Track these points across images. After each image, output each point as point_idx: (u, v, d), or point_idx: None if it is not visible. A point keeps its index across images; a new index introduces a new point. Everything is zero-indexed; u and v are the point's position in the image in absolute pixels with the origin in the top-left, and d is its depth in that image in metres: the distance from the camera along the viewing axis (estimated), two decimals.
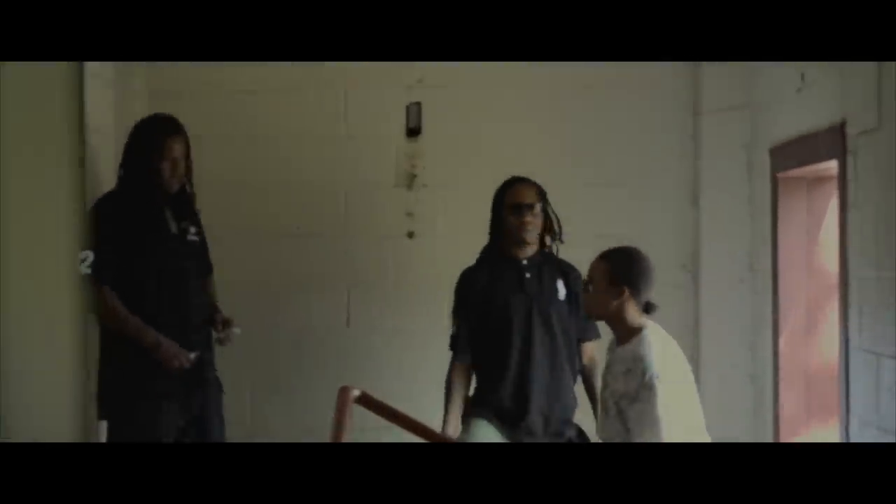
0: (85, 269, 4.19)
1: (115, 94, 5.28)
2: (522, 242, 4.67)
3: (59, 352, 1.15)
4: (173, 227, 4.55)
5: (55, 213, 1.12)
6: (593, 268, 4.02)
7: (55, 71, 1.07)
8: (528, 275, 4.67)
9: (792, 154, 4.65)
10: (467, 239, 5.54)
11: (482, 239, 5.57)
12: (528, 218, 4.66)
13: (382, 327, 5.46)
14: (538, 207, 4.69)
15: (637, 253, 4.07)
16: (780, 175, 4.83)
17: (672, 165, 5.53)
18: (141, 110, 5.42)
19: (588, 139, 5.54)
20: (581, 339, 4.72)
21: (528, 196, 4.68)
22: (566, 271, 4.70)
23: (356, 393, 3.89)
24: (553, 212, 4.73)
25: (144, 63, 5.46)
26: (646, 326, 3.94)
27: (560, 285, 4.68)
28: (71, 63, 1.04)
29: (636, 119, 5.54)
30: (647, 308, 3.98)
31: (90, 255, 4.24)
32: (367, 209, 5.33)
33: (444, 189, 5.57)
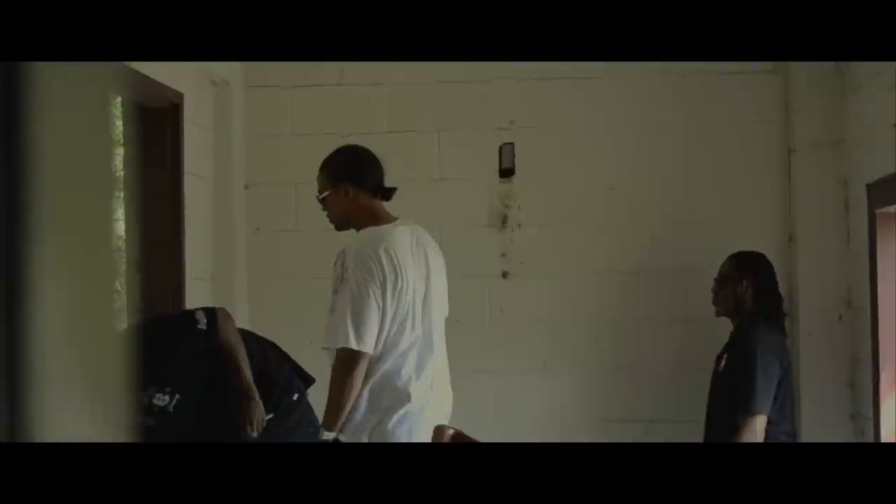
0: None
1: (214, 140, 5.41)
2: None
3: (95, 381, 1.15)
4: (149, 421, 4.11)
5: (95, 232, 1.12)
6: (317, 180, 4.15)
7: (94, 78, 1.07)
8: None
9: (890, 189, 4.60)
10: (561, 279, 5.56)
11: (575, 278, 5.60)
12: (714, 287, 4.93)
13: (477, 367, 5.46)
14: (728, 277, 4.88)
15: (348, 149, 4.22)
16: (878, 211, 4.78)
17: (767, 203, 5.49)
18: (239, 155, 5.54)
19: (681, 177, 5.53)
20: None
21: (722, 267, 4.94)
22: (731, 350, 4.78)
23: (451, 432, 3.92)
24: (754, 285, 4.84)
25: (242, 107, 5.58)
26: (383, 222, 4.07)
27: (724, 359, 4.78)
28: (97, 64, 1.05)
29: (729, 156, 5.52)
30: (383, 195, 4.12)
31: None
32: (461, 249, 5.34)
33: (538, 229, 5.58)
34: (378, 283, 3.90)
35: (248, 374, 4.35)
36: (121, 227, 4.88)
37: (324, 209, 4.15)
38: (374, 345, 3.91)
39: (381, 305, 3.91)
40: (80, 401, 0.97)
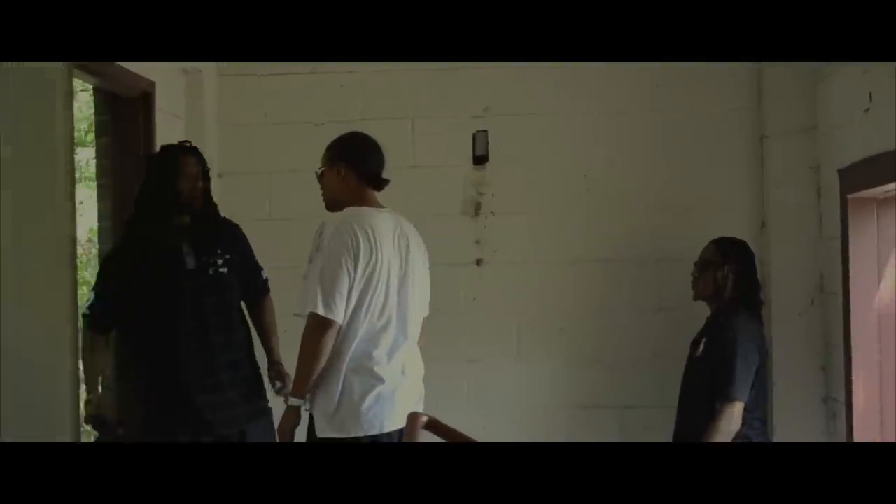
0: (83, 311, 4.21)
1: (187, 128, 5.38)
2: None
3: (53, 375, 1.15)
4: (190, 263, 4.37)
5: (50, 222, 1.12)
6: (321, 159, 4.27)
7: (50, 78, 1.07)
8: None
9: (861, 174, 4.61)
10: (534, 267, 5.57)
11: (548, 266, 5.59)
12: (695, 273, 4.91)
13: (452, 354, 5.48)
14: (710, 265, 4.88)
15: (351, 134, 4.31)
16: (849, 196, 4.79)
17: (740, 189, 5.50)
18: (212, 142, 5.52)
19: (655, 165, 5.54)
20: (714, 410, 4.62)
21: (703, 252, 4.92)
22: (710, 336, 4.78)
23: (425, 419, 3.91)
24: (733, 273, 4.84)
25: (215, 96, 5.56)
26: (368, 206, 4.14)
27: (702, 344, 4.78)
28: (54, 64, 1.04)
29: (703, 143, 5.53)
30: (376, 184, 4.20)
31: (91, 297, 4.26)
32: (435, 237, 5.33)
33: (512, 217, 5.58)
34: (351, 256, 3.98)
35: (278, 346, 4.66)
36: (92, 217, 4.85)
37: (321, 188, 4.26)
38: (343, 314, 3.95)
39: (352, 276, 3.95)
40: (34, 398, 0.97)
